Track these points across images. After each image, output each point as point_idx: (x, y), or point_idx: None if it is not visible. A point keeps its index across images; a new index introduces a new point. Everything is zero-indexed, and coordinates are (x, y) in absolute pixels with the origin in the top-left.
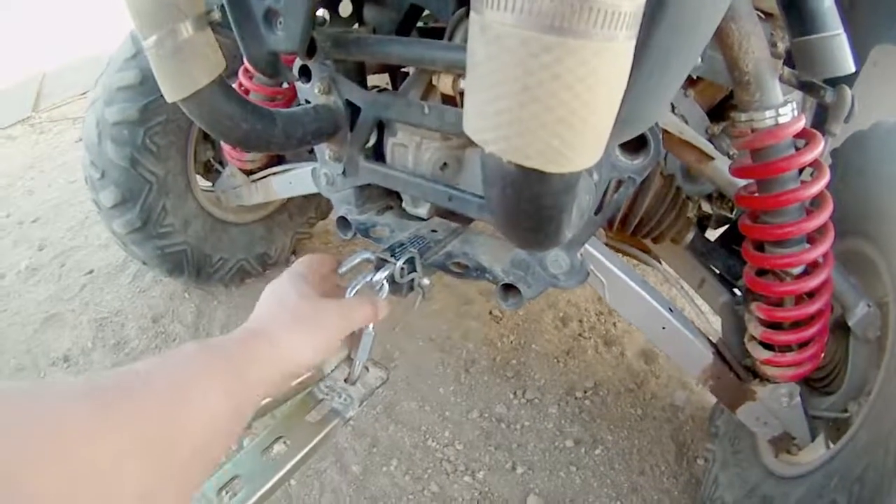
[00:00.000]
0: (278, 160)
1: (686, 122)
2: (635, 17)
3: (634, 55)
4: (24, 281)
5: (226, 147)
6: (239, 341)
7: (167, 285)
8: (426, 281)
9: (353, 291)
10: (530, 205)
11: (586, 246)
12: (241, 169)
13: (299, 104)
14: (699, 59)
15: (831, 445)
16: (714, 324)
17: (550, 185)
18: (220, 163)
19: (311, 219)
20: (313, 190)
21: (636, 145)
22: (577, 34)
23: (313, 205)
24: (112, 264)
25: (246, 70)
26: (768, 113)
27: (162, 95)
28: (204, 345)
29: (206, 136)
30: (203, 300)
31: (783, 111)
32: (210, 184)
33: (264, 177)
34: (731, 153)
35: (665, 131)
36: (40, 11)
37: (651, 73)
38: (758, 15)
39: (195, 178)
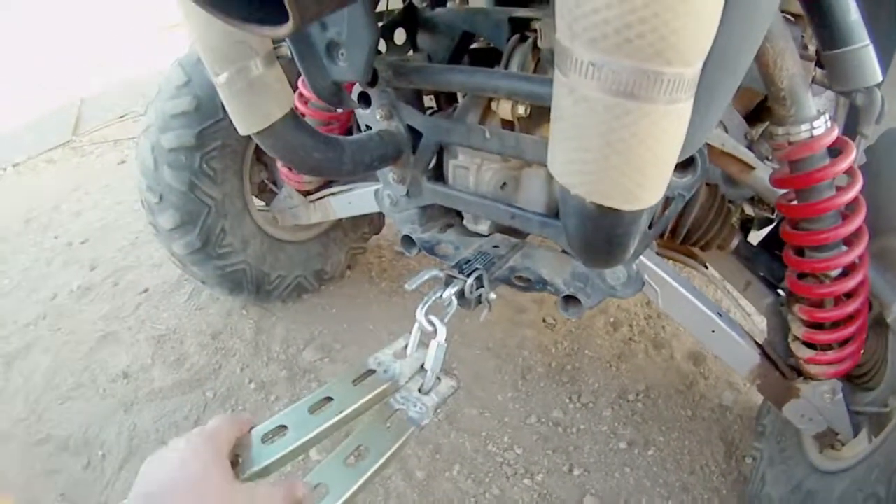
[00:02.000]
0: (333, 180)
1: (726, 130)
2: (694, 81)
3: None
4: (77, 300)
5: (282, 169)
6: None
7: (224, 303)
8: (493, 295)
9: (425, 308)
10: (606, 235)
11: (641, 257)
12: (298, 190)
13: (351, 130)
14: None
15: (873, 440)
16: (758, 325)
17: (624, 219)
18: (275, 183)
19: (364, 234)
20: (373, 209)
21: (684, 164)
22: (650, 100)
23: (367, 221)
24: (167, 283)
25: (301, 95)
26: (803, 126)
27: (217, 121)
28: None
29: (259, 158)
30: (261, 316)
31: (817, 124)
32: (265, 204)
33: (322, 197)
34: (769, 157)
35: (708, 145)
36: (75, 38)
37: (699, 106)
38: (786, 17)
39: (251, 199)
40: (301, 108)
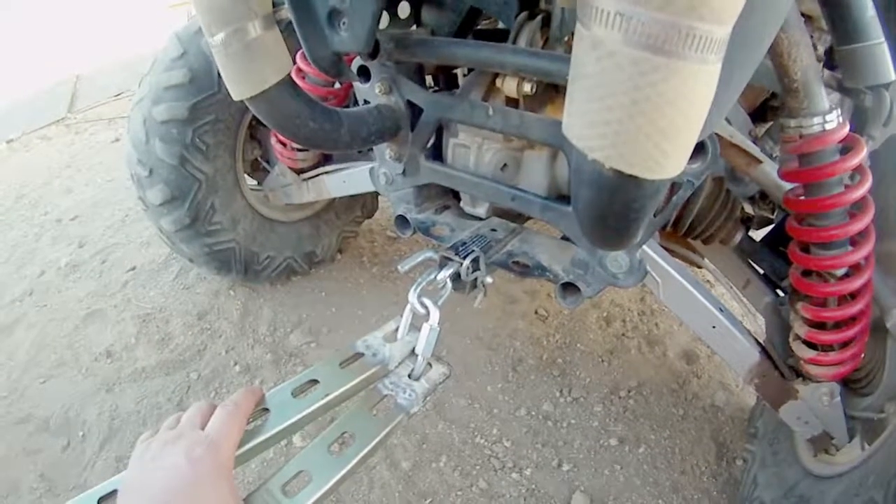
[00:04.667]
0: (327, 159)
1: (730, 124)
2: (724, 42)
3: None
4: (65, 277)
5: (276, 146)
6: None
7: (212, 283)
8: (489, 279)
9: (418, 289)
10: (622, 207)
11: (643, 247)
12: (291, 168)
13: (349, 105)
14: None
15: (866, 446)
16: (760, 324)
17: (644, 191)
18: (268, 161)
19: (357, 217)
20: (368, 189)
21: (694, 150)
22: (681, 56)
23: (360, 204)
24: (154, 261)
25: (299, 70)
26: (816, 119)
27: (211, 94)
28: None
29: (252, 135)
30: (249, 297)
31: (830, 118)
32: (256, 182)
33: (316, 175)
34: (773, 155)
35: (716, 135)
36: (74, 15)
37: (719, 82)
38: None
39: (243, 176)
40: (298, 82)
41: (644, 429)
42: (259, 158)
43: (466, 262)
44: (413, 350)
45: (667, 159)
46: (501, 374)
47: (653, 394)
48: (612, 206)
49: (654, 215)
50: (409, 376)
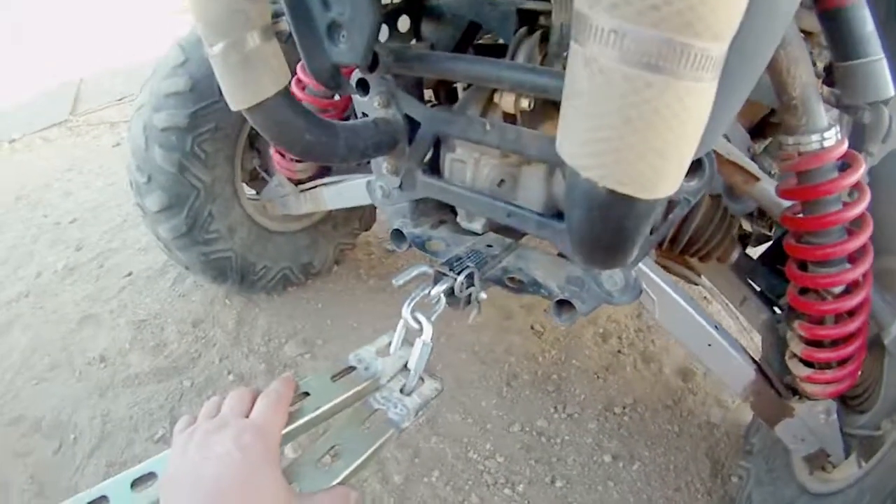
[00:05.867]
0: (326, 171)
1: (729, 141)
2: (720, 60)
3: None
4: (62, 280)
5: (275, 156)
6: None
7: (208, 291)
8: (483, 295)
9: (412, 304)
10: (615, 227)
11: (639, 264)
12: (289, 178)
13: (348, 117)
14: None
15: (863, 464)
16: (755, 341)
17: (638, 210)
18: (266, 171)
19: (354, 230)
20: (365, 202)
21: (692, 167)
22: (675, 74)
23: (357, 216)
24: (151, 268)
25: (298, 80)
26: (814, 137)
27: (211, 103)
28: None
29: (252, 145)
30: (244, 307)
31: (828, 135)
32: (255, 192)
33: (314, 187)
34: (772, 172)
35: (715, 152)
36: (78, 18)
37: (717, 98)
38: None
39: (241, 186)
40: (298, 94)
41: (638, 445)
42: (258, 168)
43: (461, 277)
44: (405, 365)
45: (661, 178)
46: (496, 390)
47: (648, 410)
48: (605, 226)
49: (651, 233)
50: (401, 391)
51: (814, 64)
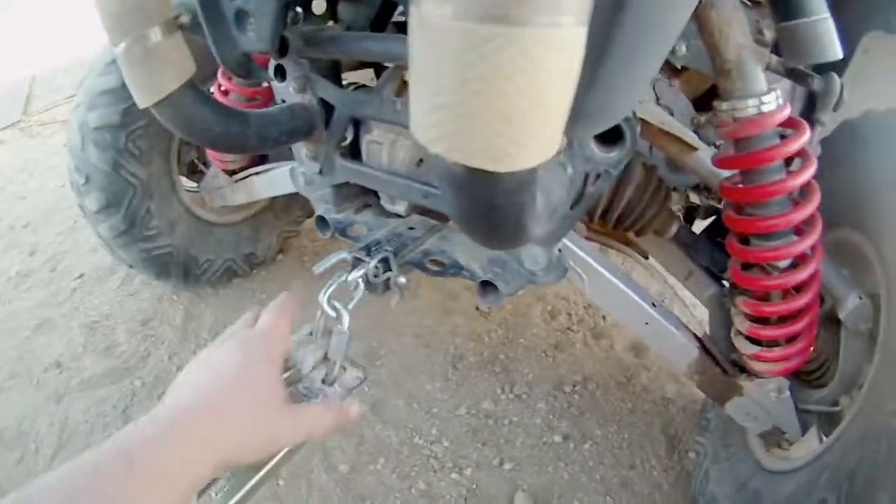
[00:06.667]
0: (261, 160)
1: (671, 114)
2: (582, 1)
3: (599, 45)
4: (15, 287)
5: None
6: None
7: (156, 288)
8: (402, 280)
9: (328, 292)
10: (483, 206)
11: (564, 240)
12: (223, 169)
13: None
14: (683, 48)
15: (824, 439)
16: (699, 317)
17: (501, 185)
18: (205, 163)
19: (297, 217)
20: (292, 189)
21: (612, 137)
22: (518, 22)
23: (299, 203)
24: (101, 268)
25: (224, 71)
26: (751, 101)
27: None
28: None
29: None
30: (191, 302)
31: (767, 99)
32: (196, 185)
33: (246, 177)
34: (717, 143)
35: (645, 122)
36: (30, 13)
37: (618, 64)
38: (743, 3)
39: (179, 179)
40: (225, 83)
41: (590, 424)
42: (196, 161)
43: (374, 262)
44: (326, 355)
45: (518, 148)
46: (441, 373)
47: (599, 388)
48: (472, 205)
49: (572, 207)
50: (324, 381)
51: (761, 33)
